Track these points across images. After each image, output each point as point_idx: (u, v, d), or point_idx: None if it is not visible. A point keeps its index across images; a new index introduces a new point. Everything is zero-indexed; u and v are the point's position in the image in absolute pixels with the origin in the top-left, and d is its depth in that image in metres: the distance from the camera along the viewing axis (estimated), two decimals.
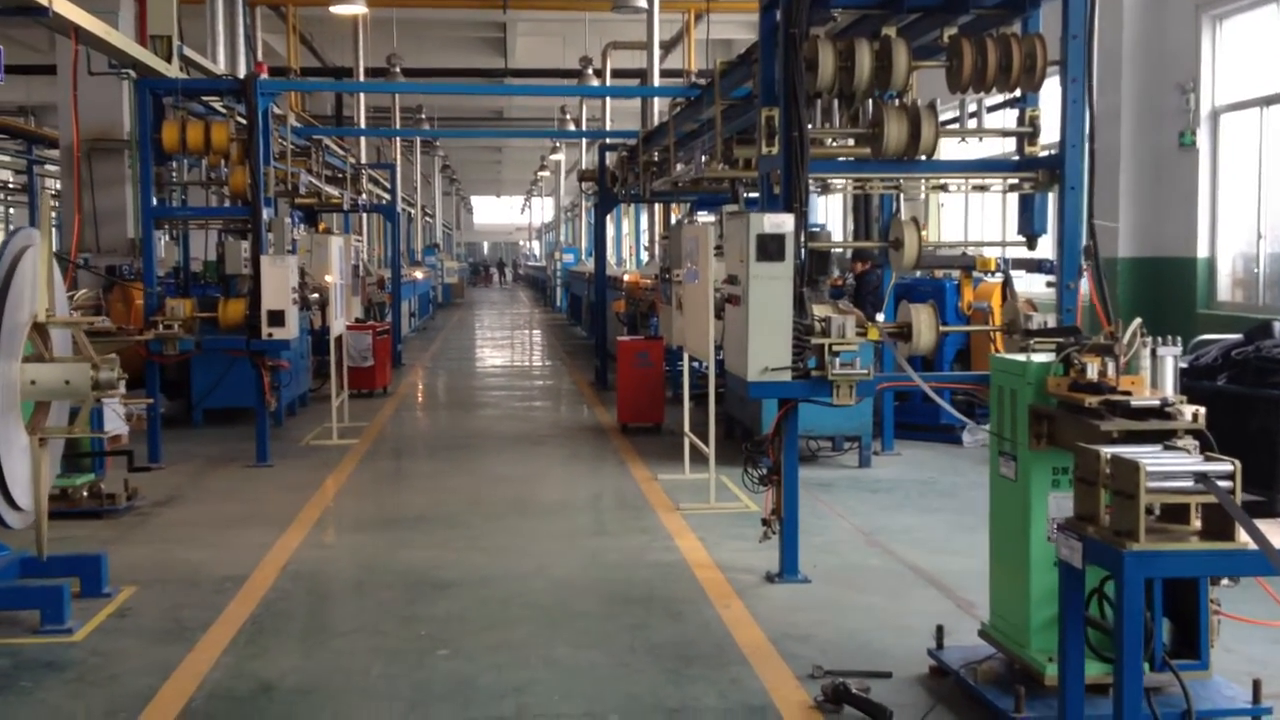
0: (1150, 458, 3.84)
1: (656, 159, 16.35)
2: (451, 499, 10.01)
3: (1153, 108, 12.53)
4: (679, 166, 14.19)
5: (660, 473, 10.82)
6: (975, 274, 12.87)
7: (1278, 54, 11.28)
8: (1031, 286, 13.41)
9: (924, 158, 7.34)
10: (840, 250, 14.89)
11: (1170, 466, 3.81)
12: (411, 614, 6.76)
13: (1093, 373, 4.77)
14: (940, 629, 5.60)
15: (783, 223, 6.98)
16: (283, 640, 6.37)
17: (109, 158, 16.96)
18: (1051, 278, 12.31)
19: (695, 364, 12.10)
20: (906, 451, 11.76)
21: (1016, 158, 7.69)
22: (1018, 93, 7.60)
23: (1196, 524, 3.76)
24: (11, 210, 42.13)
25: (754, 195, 14.17)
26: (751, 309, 6.93)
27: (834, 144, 8.72)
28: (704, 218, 15.21)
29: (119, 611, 6.81)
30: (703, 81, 14.32)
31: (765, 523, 7.34)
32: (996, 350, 11.87)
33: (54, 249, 7.02)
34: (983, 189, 7.73)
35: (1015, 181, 7.52)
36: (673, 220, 22.51)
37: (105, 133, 16.77)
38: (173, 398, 14.50)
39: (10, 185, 36.19)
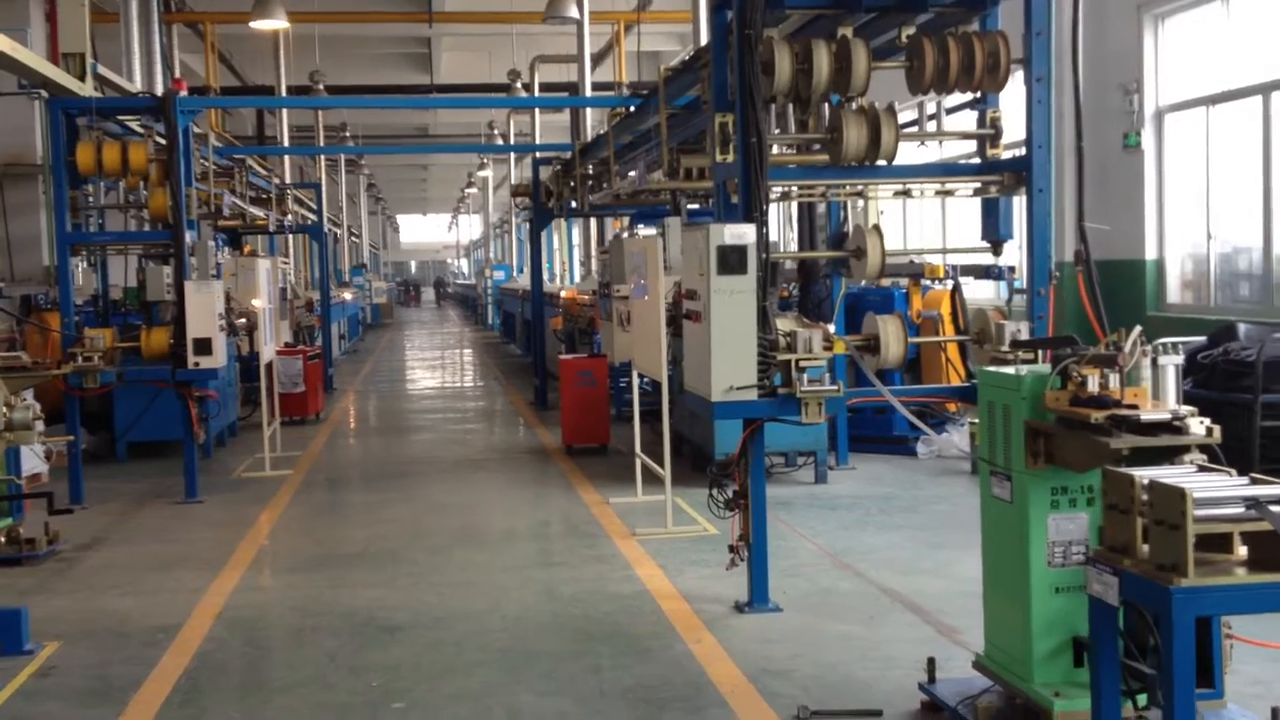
0: (1190, 481, 3.53)
1: (593, 172, 16.02)
2: (393, 531, 9.53)
3: (1096, 109, 12.37)
4: (619, 179, 13.82)
5: (611, 495, 10.42)
6: (923, 281, 12.73)
7: (1221, 53, 11.17)
8: (977, 293, 13.23)
9: (884, 163, 7.04)
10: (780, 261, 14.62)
11: (1217, 492, 3.49)
12: (360, 663, 6.30)
13: (1093, 385, 4.47)
14: (932, 661, 5.26)
15: (744, 233, 6.63)
16: (221, 698, 5.88)
17: (22, 183, 16.20)
18: (998, 283, 12.21)
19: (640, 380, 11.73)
20: (861, 465, 11.46)
21: (978, 160, 7.42)
22: (977, 94, 7.36)
23: (1241, 553, 3.44)
24: None
25: (694, 206, 13.87)
26: (714, 325, 6.58)
27: (787, 150, 8.43)
28: (645, 231, 14.86)
29: (41, 670, 6.28)
30: (644, 91, 13.99)
31: (733, 549, 6.97)
32: (949, 360, 11.74)
33: None
34: (947, 193, 7.44)
35: (980, 185, 7.25)
36: (608, 234, 22.18)
37: (17, 157, 16.02)
38: (94, 431, 13.87)
39: None
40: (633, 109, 13.21)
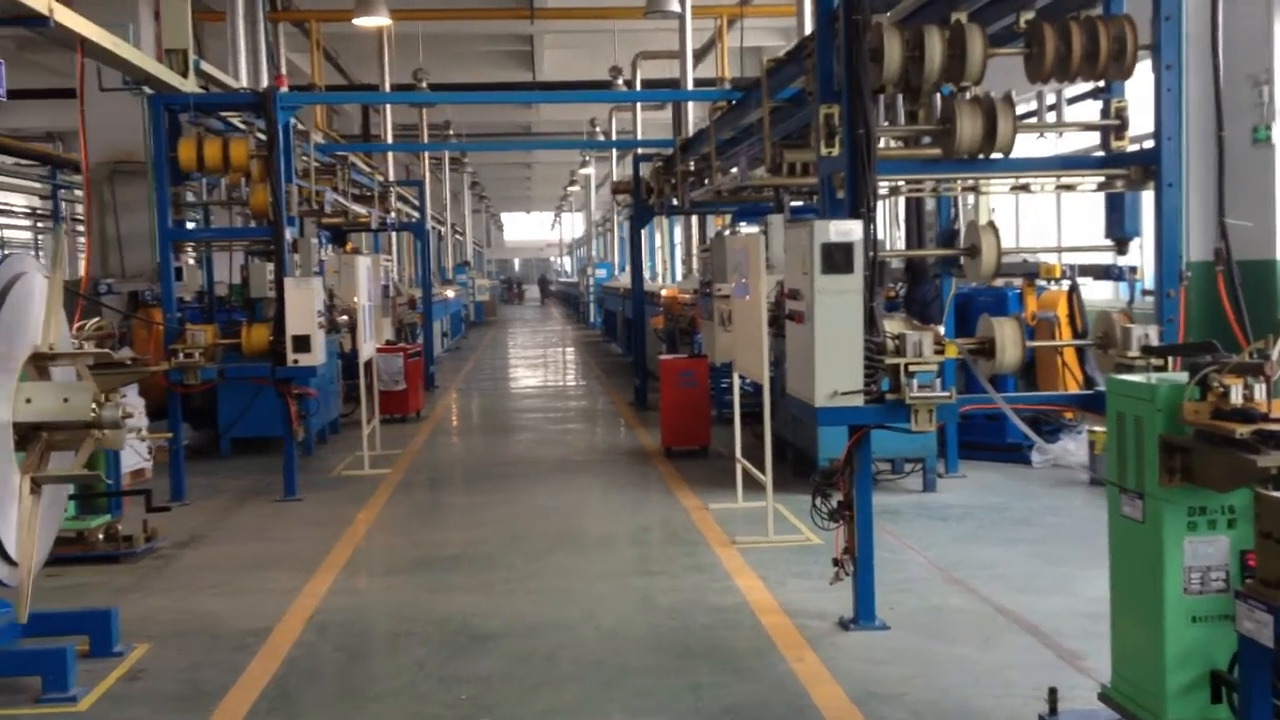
0: None
1: (694, 168, 15.76)
2: (490, 534, 9.37)
3: (1223, 102, 11.75)
4: (720, 175, 13.54)
5: (710, 501, 10.15)
6: (1038, 282, 12.22)
7: None
8: (1094, 294, 12.70)
9: (1000, 156, 6.67)
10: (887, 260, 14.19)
11: None
12: (451, 673, 6.11)
13: (1237, 397, 4.09)
14: (1054, 691, 4.90)
15: (850, 230, 6.32)
16: (308, 707, 5.74)
17: (133, 180, 16.47)
18: (1117, 284, 11.69)
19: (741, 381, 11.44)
20: (972, 473, 11.01)
21: (1102, 153, 7.00)
22: (1100, 83, 6.95)
23: None
24: (41, 236, 41.99)
25: (798, 204, 13.54)
26: (818, 327, 6.27)
27: (894, 144, 8.09)
28: (747, 229, 14.55)
29: (130, 674, 6.20)
30: (746, 85, 13.66)
31: (837, 563, 6.65)
32: (1065, 364, 11.24)
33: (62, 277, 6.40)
34: (1068, 188, 7.03)
35: (1104, 179, 6.83)
36: (710, 232, 21.91)
37: (128, 154, 16.29)
38: (199, 427, 13.97)
39: (39, 211, 35.95)
40: (734, 102, 12.91)
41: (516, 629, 6.81)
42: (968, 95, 6.64)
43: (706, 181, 14.44)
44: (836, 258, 6.28)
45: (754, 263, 8.94)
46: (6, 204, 37.67)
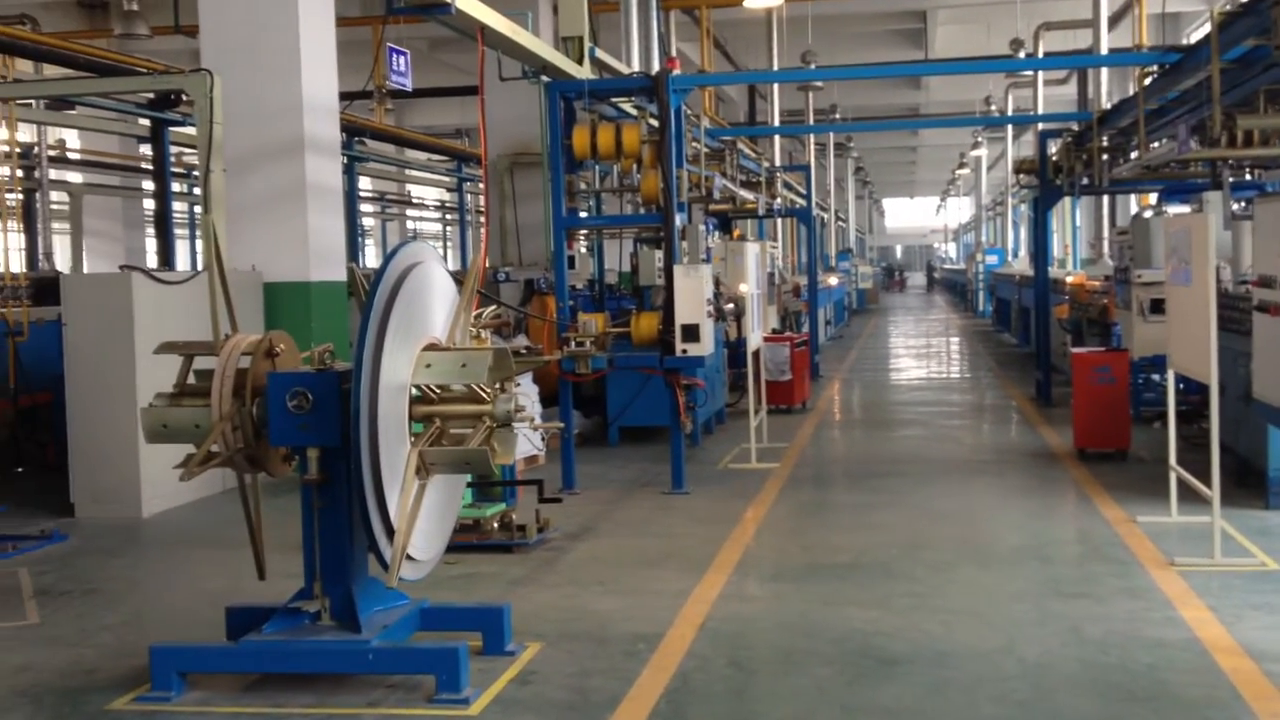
0: None
1: (1108, 143, 14.43)
2: (885, 539, 8.70)
3: None
4: (1146, 149, 12.22)
5: (1138, 513, 9.04)
6: None
7: None
8: None
9: None
10: None
11: None
12: (852, 701, 5.52)
13: None
14: None
15: None
16: None
17: (530, 171, 16.94)
18: None
19: (1161, 379, 10.18)
20: None
21: None
22: None
23: None
24: (448, 228, 44.80)
25: (1234, 180, 12.05)
26: None
27: None
28: (1175, 209, 13.10)
29: (521, 676, 5.97)
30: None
31: None
32: None
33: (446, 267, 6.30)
34: None
35: None
36: (1119, 214, 20.21)
37: (526, 147, 16.73)
38: (589, 415, 14.07)
39: (447, 204, 38.23)
40: (1168, 66, 11.55)
41: (925, 654, 6.13)
42: None
43: (1125, 157, 13.14)
44: None
45: (1199, 245, 7.76)
46: (419, 198, 40.48)
